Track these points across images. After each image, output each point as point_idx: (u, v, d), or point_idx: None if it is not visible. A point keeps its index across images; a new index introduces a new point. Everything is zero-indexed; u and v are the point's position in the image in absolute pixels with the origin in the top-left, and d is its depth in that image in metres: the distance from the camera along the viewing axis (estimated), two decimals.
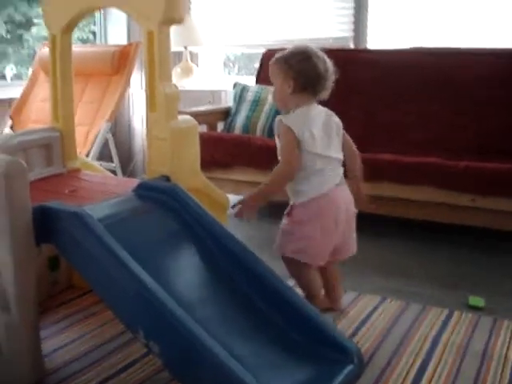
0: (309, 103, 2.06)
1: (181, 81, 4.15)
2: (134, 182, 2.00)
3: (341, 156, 2.08)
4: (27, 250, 1.68)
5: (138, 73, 4.08)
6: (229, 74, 4.95)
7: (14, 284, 1.67)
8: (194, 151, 2.17)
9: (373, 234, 3.09)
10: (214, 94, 4.20)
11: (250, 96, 3.70)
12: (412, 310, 2.21)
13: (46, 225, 1.69)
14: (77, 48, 2.42)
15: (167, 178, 2.02)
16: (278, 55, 2.09)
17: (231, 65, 5.16)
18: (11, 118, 3.58)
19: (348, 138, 2.15)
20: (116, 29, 4.42)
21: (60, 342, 1.97)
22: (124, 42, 4.31)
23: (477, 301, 2.27)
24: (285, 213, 2.08)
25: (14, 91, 3.76)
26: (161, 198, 1.89)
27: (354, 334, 2.02)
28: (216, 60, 4.76)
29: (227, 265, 1.77)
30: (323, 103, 2.11)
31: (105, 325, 2.08)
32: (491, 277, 2.58)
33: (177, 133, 2.06)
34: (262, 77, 3.80)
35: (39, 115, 3.54)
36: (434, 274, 2.61)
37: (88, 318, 2.14)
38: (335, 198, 2.02)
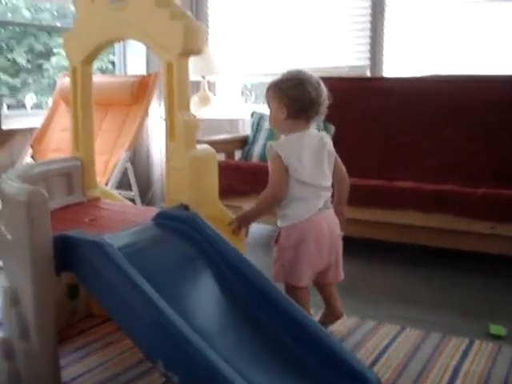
0: (303, 128, 2.10)
1: (199, 110, 4.19)
2: (153, 211, 2.02)
3: (329, 183, 2.12)
4: (47, 279, 1.70)
5: (156, 102, 4.13)
6: (246, 102, 4.99)
7: (33, 312, 1.68)
8: (213, 180, 2.18)
9: (388, 262, 3.08)
10: (232, 123, 4.23)
11: (267, 125, 3.72)
12: (432, 339, 2.19)
13: (66, 253, 1.70)
14: (97, 78, 2.46)
15: (186, 207, 2.03)
16: (272, 81, 2.14)
17: (248, 93, 5.21)
18: (32, 146, 3.63)
19: (340, 162, 2.19)
20: (135, 59, 4.49)
21: (79, 370, 1.97)
22: (143, 71, 4.37)
23: (498, 329, 2.24)
24: (274, 240, 2.15)
25: (34, 120, 3.81)
26: (180, 227, 1.90)
27: (373, 364, 2.00)
28: (233, 89, 4.80)
29: (243, 291, 1.77)
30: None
31: (124, 353, 2.08)
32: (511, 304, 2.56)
33: (195, 162, 2.07)
34: None
35: (59, 144, 3.59)
36: (452, 301, 2.59)
37: (107, 347, 2.14)
38: (318, 221, 2.07)
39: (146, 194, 4.37)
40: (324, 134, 2.18)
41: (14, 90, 4.49)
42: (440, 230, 2.90)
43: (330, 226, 2.11)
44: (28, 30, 4.53)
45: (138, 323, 1.56)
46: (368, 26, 4.08)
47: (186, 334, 1.46)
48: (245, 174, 3.35)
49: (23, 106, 4.60)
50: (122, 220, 2.06)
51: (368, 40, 4.09)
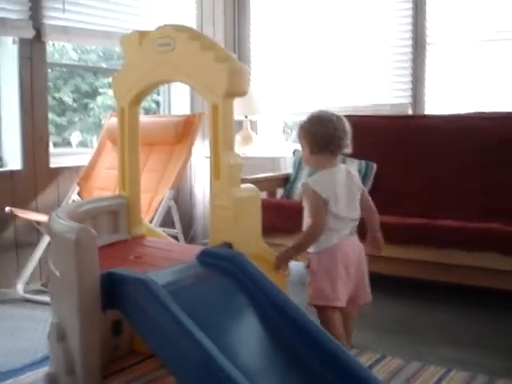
0: (331, 163, 2.26)
1: (241, 148, 4.24)
2: (197, 249, 2.04)
3: (357, 215, 2.29)
4: (93, 315, 1.73)
5: (199, 141, 4.19)
6: (287, 140, 5.03)
7: (79, 348, 1.71)
8: (256, 219, 2.20)
9: (434, 302, 3.04)
10: (274, 161, 4.26)
11: None
12: (478, 383, 2.13)
13: (112, 290, 1.74)
14: (142, 118, 2.53)
15: (230, 245, 2.05)
16: (299, 122, 2.35)
17: (289, 131, 5.25)
18: (78, 184, 3.71)
19: (367, 196, 2.36)
20: (179, 99, 4.58)
21: None
22: (187, 111, 4.45)
23: None
24: (306, 266, 2.29)
25: (80, 158, 3.91)
26: (223, 265, 1.92)
27: None
28: (275, 127, 4.85)
29: (287, 331, 1.77)
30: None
31: None
32: None
33: (239, 201, 2.10)
34: None
35: (104, 182, 3.66)
36: (500, 343, 2.53)
37: None
38: (344, 246, 2.23)
39: (188, 232, 4.41)
40: (349, 167, 2.37)
41: (60, 129, 4.61)
42: (485, 269, 2.85)
43: (355, 249, 2.27)
44: (74, 70, 4.67)
45: (183, 363, 1.57)
46: (409, 63, 4.10)
47: (234, 376, 1.45)
48: (287, 212, 3.36)
49: (69, 143, 4.72)
50: (167, 257, 2.09)
51: (409, 78, 4.10)
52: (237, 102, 2.18)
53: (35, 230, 3.40)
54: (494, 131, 3.46)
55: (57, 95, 4.54)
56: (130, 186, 2.40)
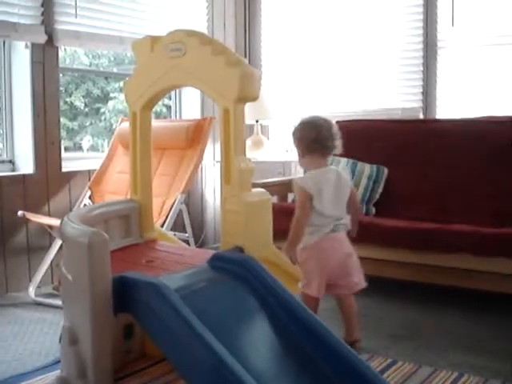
0: (320, 164, 2.43)
1: (252, 153, 4.25)
2: (209, 253, 2.05)
3: (343, 213, 2.42)
4: (105, 319, 1.74)
5: (209, 145, 4.20)
6: None
7: (91, 351, 1.72)
8: (267, 223, 2.21)
9: (440, 306, 3.02)
10: (285, 165, 4.26)
11: None
12: None
13: (124, 294, 1.74)
14: (153, 123, 2.53)
15: (241, 249, 2.06)
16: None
17: None
18: (90, 188, 3.73)
19: (355, 195, 2.55)
20: (190, 103, 4.60)
21: None
22: (197, 115, 4.46)
23: None
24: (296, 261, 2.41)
25: (91, 162, 3.93)
26: (235, 270, 1.93)
27: None
28: (286, 132, 4.85)
29: (299, 336, 1.77)
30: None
31: None
32: None
33: (250, 206, 2.11)
34: None
35: (116, 186, 3.67)
36: (509, 347, 2.51)
37: None
38: (324, 242, 2.37)
39: (198, 236, 4.42)
40: (341, 168, 2.57)
41: (71, 133, 4.63)
42: (499, 274, 2.84)
43: (336, 245, 2.39)
44: (86, 75, 4.70)
45: (195, 367, 1.57)
46: (420, 68, 4.10)
47: (245, 380, 1.46)
48: None
49: (80, 147, 4.74)
50: (179, 262, 2.10)
51: (420, 82, 4.10)
52: (248, 107, 2.19)
53: (47, 233, 3.42)
54: (506, 135, 3.44)
55: (68, 100, 4.56)
56: (141, 190, 2.41)
